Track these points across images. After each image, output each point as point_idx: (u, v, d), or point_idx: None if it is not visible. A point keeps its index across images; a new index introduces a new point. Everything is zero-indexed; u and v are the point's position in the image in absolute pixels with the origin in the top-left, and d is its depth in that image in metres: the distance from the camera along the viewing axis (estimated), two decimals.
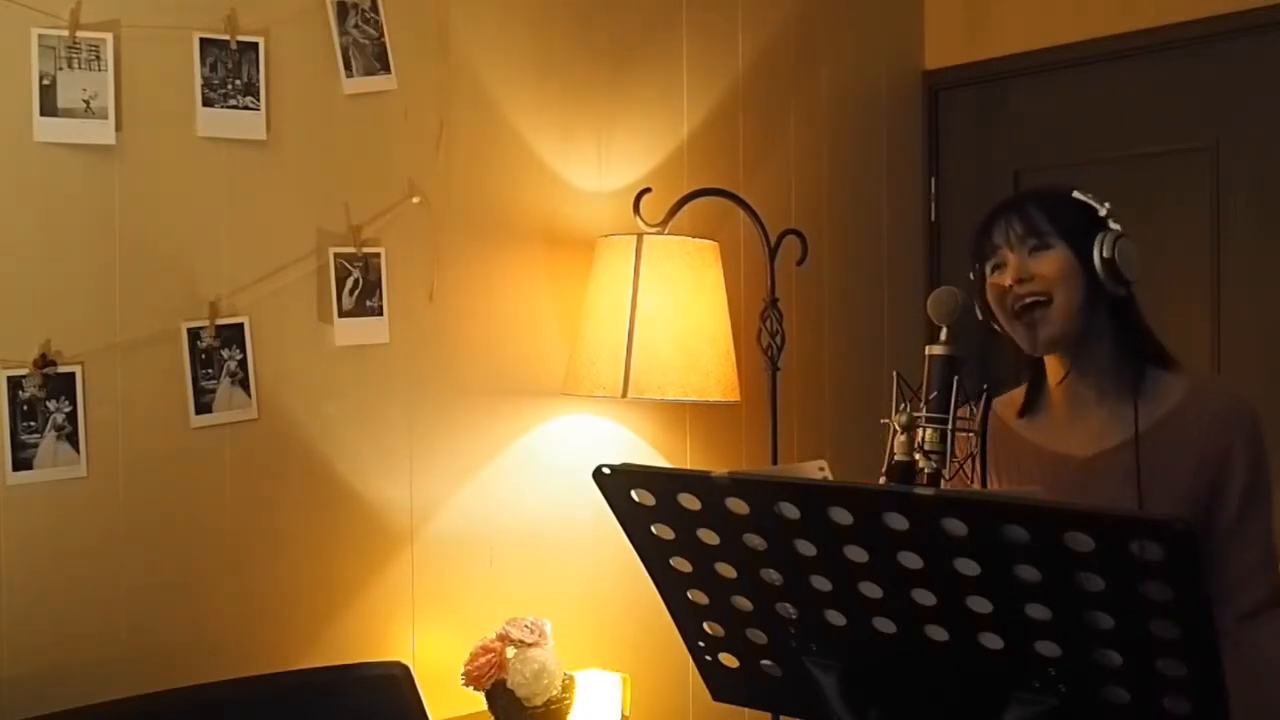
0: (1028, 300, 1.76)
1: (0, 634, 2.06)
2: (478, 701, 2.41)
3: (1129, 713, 1.22)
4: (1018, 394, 1.92)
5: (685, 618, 1.49)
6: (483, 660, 2.37)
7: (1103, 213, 1.77)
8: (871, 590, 1.29)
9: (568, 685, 2.40)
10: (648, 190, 2.69)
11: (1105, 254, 1.73)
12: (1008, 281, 1.77)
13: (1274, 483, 1.78)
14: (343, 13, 2.39)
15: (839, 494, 1.25)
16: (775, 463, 2.83)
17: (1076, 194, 1.79)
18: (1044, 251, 1.76)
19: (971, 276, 1.86)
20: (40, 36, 2.08)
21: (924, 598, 1.25)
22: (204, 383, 2.24)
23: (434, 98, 2.54)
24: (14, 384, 2.06)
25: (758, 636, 1.43)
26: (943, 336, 1.55)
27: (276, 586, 2.34)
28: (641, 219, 2.65)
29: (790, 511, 1.27)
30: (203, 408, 2.24)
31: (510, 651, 2.38)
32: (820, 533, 1.27)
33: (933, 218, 3.49)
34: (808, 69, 3.22)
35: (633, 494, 1.38)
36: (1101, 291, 1.75)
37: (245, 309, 2.29)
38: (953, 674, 1.31)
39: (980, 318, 1.85)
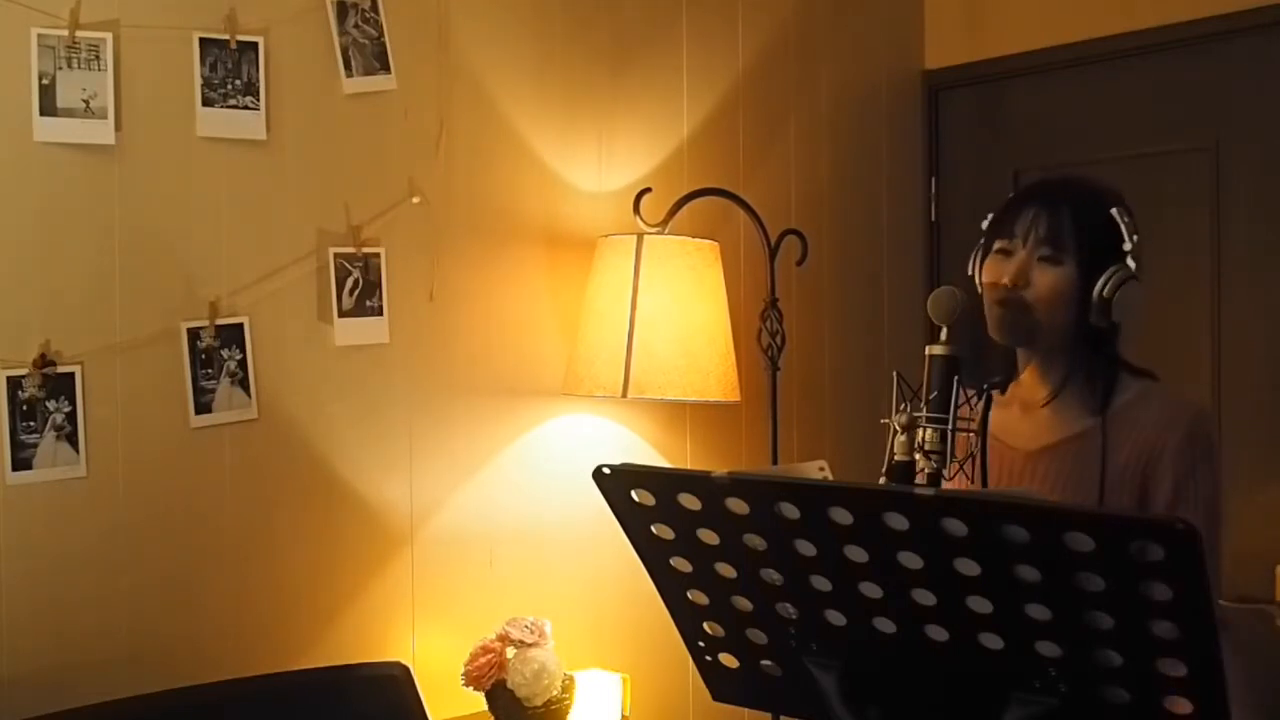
0: (1015, 303, 1.76)
1: (0, 634, 2.06)
2: (478, 702, 2.41)
3: (1129, 713, 1.22)
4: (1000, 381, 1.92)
5: (685, 618, 1.49)
6: (483, 660, 2.37)
7: (1128, 246, 1.73)
8: (871, 590, 1.29)
9: (568, 685, 2.40)
10: (648, 190, 2.69)
11: (1105, 294, 1.71)
12: (1006, 277, 1.76)
13: (1223, 500, 1.72)
14: (342, 12, 2.39)
15: (839, 494, 1.25)
16: (775, 463, 2.83)
17: (1115, 213, 1.74)
18: (1052, 266, 1.74)
19: (980, 239, 1.84)
20: (40, 36, 2.08)
21: (924, 598, 1.25)
22: (204, 383, 2.24)
23: (434, 98, 2.54)
24: (13, 384, 2.06)
25: (758, 636, 1.43)
26: (943, 336, 1.55)
27: (276, 586, 2.34)
28: (641, 219, 2.65)
29: (790, 511, 1.28)
30: (202, 408, 2.24)
31: (510, 651, 2.38)
32: (820, 533, 1.27)
33: (933, 218, 3.49)
34: (808, 69, 3.22)
35: (633, 494, 1.38)
36: (1088, 314, 1.74)
37: (245, 309, 2.29)
38: (953, 674, 1.31)
39: (969, 274, 1.84)
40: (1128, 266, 1.73)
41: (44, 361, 2.08)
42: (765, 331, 2.82)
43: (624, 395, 2.50)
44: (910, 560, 1.23)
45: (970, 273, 1.84)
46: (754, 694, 1.52)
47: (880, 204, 3.40)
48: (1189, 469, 1.70)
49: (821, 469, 1.54)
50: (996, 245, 1.79)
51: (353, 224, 2.42)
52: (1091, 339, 1.77)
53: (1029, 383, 1.84)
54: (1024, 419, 1.84)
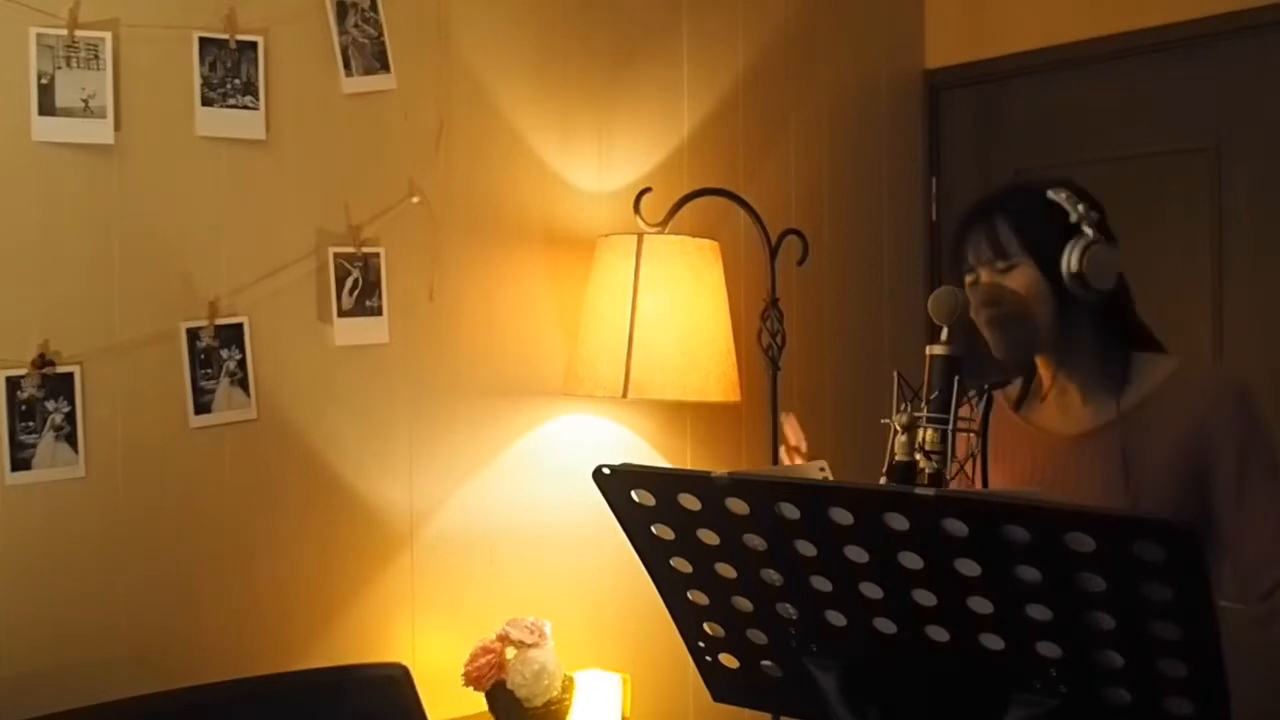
0: (1003, 320, 1.76)
1: None
2: (478, 702, 2.41)
3: (1130, 714, 1.22)
4: (1016, 387, 1.92)
5: (685, 618, 1.48)
6: (483, 661, 2.36)
7: (1074, 218, 1.70)
8: (872, 591, 1.28)
9: (567, 685, 2.40)
10: (648, 190, 2.69)
11: (1073, 268, 1.69)
12: (978, 302, 1.77)
13: None
14: (342, 12, 2.39)
15: (839, 494, 1.25)
16: (775, 463, 2.83)
17: (1050, 194, 1.72)
18: (1010, 272, 1.75)
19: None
20: (39, 35, 2.08)
21: (924, 598, 1.25)
22: (203, 383, 2.24)
23: (434, 98, 2.54)
24: (12, 384, 2.06)
25: (758, 637, 1.43)
26: (943, 336, 1.55)
27: (276, 586, 2.34)
28: (642, 219, 2.64)
29: (790, 512, 1.27)
30: (202, 408, 2.24)
31: (510, 652, 2.38)
32: (820, 533, 1.27)
33: (933, 217, 3.49)
34: (808, 69, 3.22)
35: (633, 494, 1.38)
36: (1076, 299, 1.73)
37: (244, 309, 2.29)
38: (953, 675, 1.31)
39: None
40: (1085, 234, 1.69)
41: (43, 361, 2.08)
42: (765, 331, 2.82)
43: (624, 395, 2.50)
44: (911, 561, 1.23)
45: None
46: (754, 694, 1.52)
47: (880, 204, 3.40)
48: (1247, 436, 1.70)
49: (821, 469, 1.54)
50: (966, 280, 1.81)
51: (352, 224, 2.42)
52: (1094, 319, 1.77)
53: (1052, 379, 1.84)
54: (1060, 411, 1.84)
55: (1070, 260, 1.70)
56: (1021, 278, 1.74)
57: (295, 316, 2.36)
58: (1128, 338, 1.80)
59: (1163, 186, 3.03)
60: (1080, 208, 1.71)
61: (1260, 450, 1.71)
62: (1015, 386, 1.92)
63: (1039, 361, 1.84)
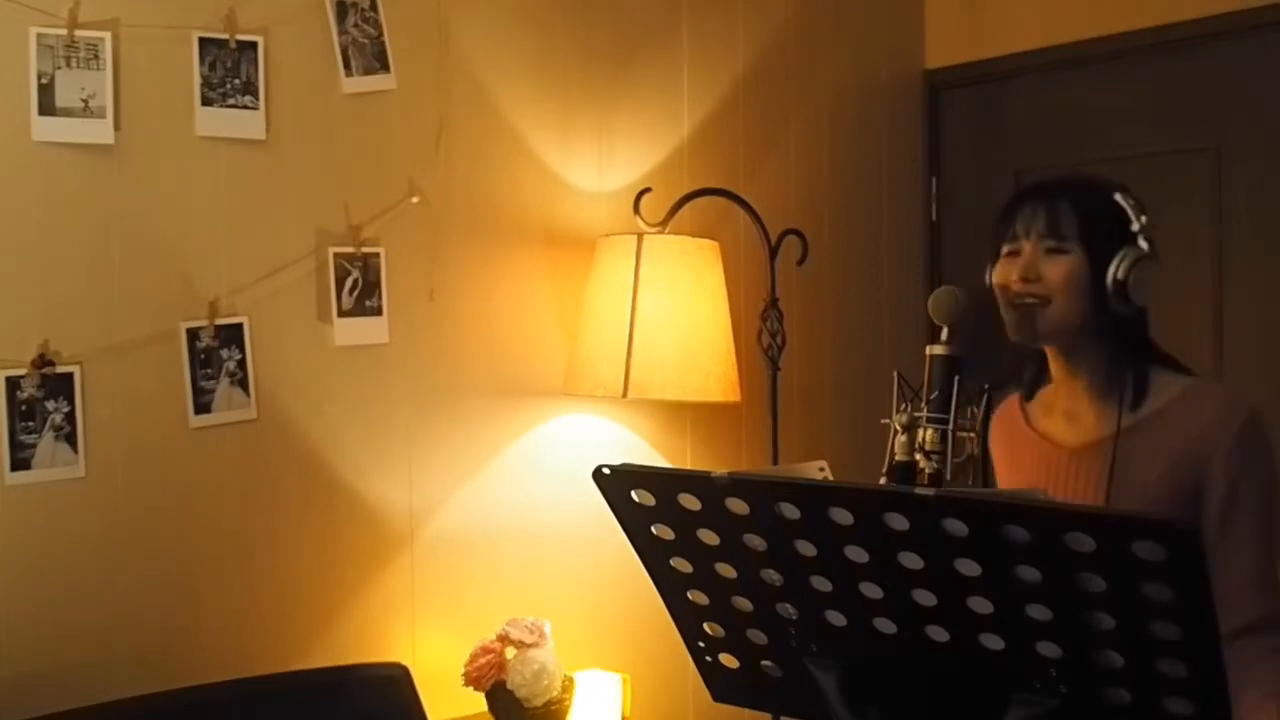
0: (1028, 299, 1.75)
1: None
2: (478, 702, 2.41)
3: (1130, 714, 1.22)
4: (1026, 382, 1.91)
5: (685, 618, 1.48)
6: (483, 661, 2.36)
7: (1135, 227, 1.70)
8: (872, 591, 1.28)
9: (567, 685, 2.40)
10: (648, 190, 2.69)
11: (1119, 275, 1.68)
12: (1015, 275, 1.75)
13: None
14: (342, 12, 2.39)
15: (839, 494, 1.25)
16: (775, 463, 2.83)
17: (1118, 197, 1.72)
18: (1059, 256, 1.72)
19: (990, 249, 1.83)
20: (39, 35, 2.08)
21: (924, 598, 1.25)
22: (203, 383, 2.24)
23: (434, 97, 2.54)
24: (12, 384, 2.06)
25: (758, 637, 1.43)
26: (943, 336, 1.54)
27: (276, 586, 2.34)
28: (642, 219, 2.64)
29: (790, 512, 1.27)
30: (202, 408, 2.24)
31: (510, 652, 2.38)
32: (820, 533, 1.27)
33: (933, 217, 3.49)
34: (808, 69, 3.22)
35: (633, 494, 1.38)
36: (1107, 302, 1.71)
37: (244, 309, 2.29)
38: (953, 675, 1.31)
39: (987, 284, 1.81)
40: (1139, 247, 1.69)
41: (43, 361, 2.08)
42: (765, 331, 2.82)
43: (624, 395, 2.50)
44: (911, 561, 1.23)
45: (987, 283, 1.83)
46: (754, 694, 1.52)
47: (880, 204, 3.40)
48: (1243, 469, 1.67)
49: (821, 469, 1.53)
50: (1004, 249, 1.78)
51: (352, 224, 2.42)
52: (1115, 328, 1.74)
53: (1063, 382, 1.82)
54: (1068, 419, 1.83)
55: (1119, 266, 1.68)
56: (1065, 265, 1.71)
57: (295, 316, 2.36)
58: (1142, 353, 1.78)
59: (1163, 186, 3.02)
60: (1144, 219, 1.70)
61: (1253, 486, 1.68)
62: (1026, 381, 1.91)
63: (1050, 354, 1.82)
